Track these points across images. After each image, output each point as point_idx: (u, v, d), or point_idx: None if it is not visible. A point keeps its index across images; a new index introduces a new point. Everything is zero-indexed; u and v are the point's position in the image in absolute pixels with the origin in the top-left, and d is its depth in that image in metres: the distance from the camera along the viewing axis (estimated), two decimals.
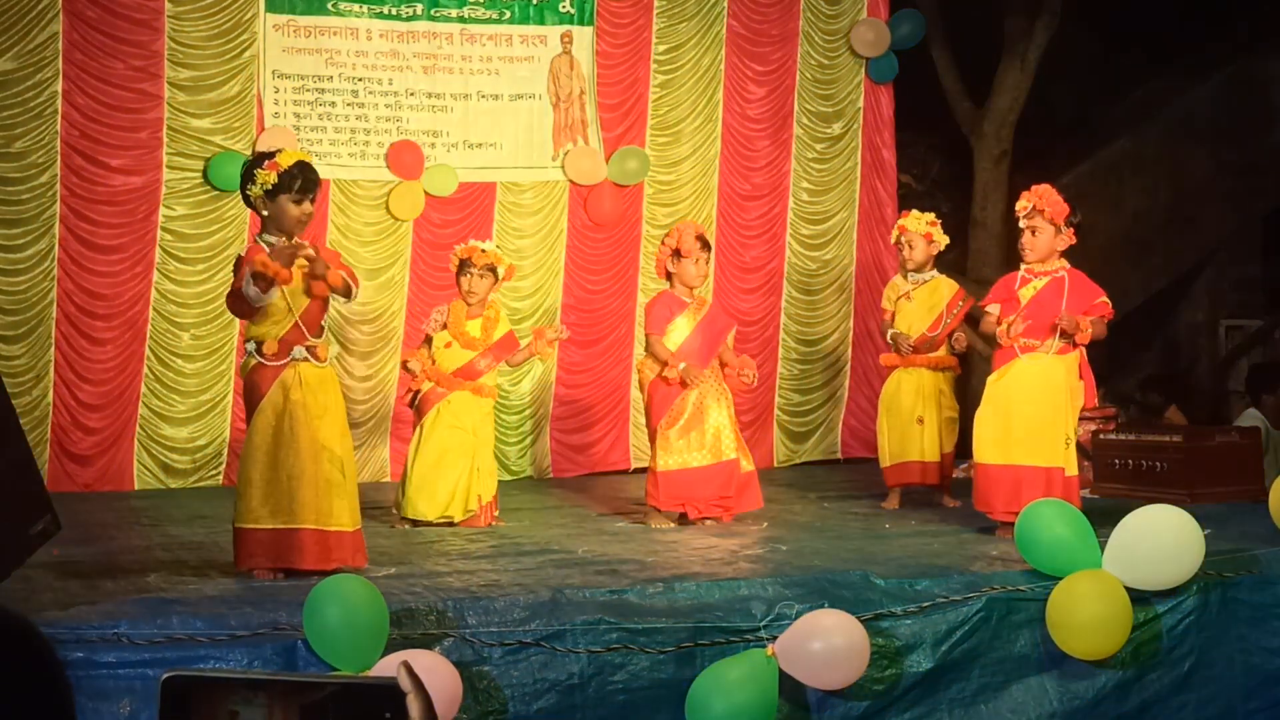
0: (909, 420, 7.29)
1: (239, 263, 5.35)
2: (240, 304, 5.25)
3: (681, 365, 6.66)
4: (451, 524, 6.76)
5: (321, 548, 5.15)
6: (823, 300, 10.02)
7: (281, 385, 5.19)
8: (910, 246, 7.45)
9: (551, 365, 9.41)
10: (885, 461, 7.41)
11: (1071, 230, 6.19)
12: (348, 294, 5.36)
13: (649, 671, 4.51)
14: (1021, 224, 6.25)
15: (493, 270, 7.03)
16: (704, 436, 6.69)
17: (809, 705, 4.63)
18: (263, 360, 5.23)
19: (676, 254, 6.86)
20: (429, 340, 7.06)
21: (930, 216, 7.52)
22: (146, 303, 8.61)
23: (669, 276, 6.96)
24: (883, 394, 7.57)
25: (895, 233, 7.66)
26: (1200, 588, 5.10)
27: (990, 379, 6.27)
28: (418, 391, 7.05)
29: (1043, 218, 6.15)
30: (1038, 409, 6.03)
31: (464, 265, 7.02)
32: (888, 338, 7.59)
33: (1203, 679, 5.10)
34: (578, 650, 4.47)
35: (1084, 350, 6.21)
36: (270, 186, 5.21)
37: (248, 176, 5.29)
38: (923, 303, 7.42)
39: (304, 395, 5.19)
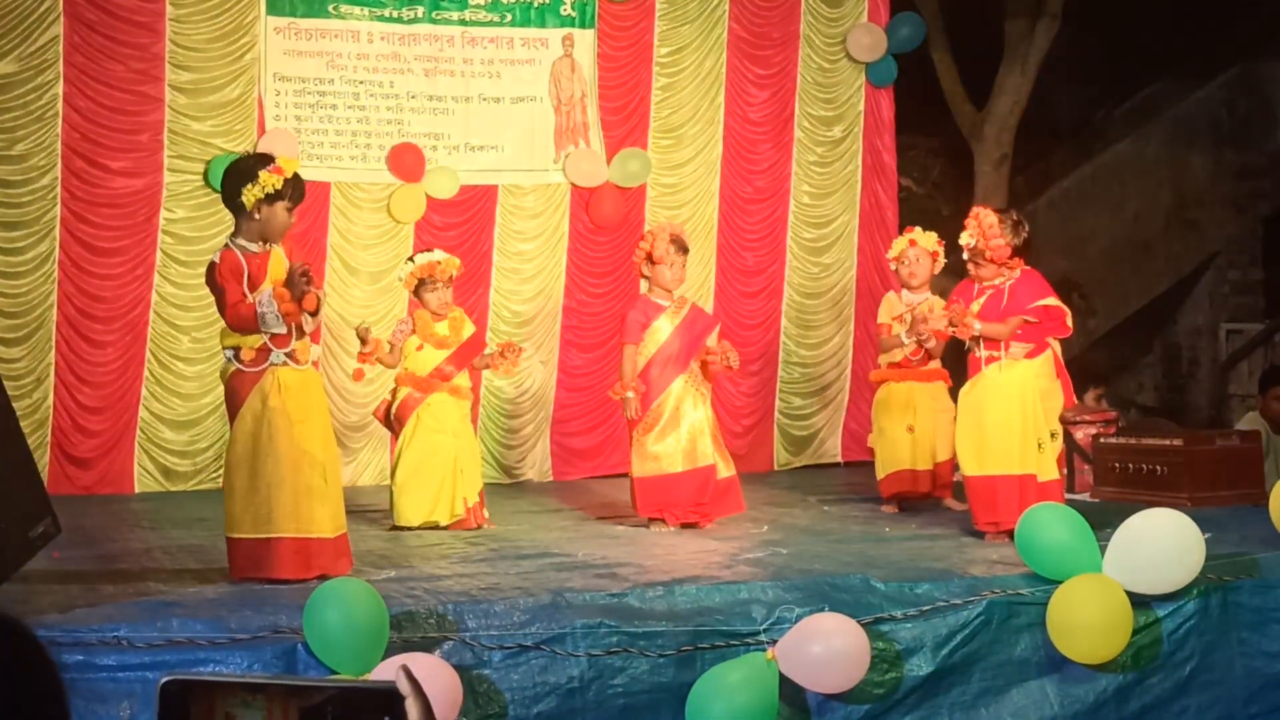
0: (899, 429, 7.25)
1: (215, 271, 5.15)
2: (249, 323, 5.06)
3: (629, 394, 6.58)
4: (438, 528, 6.70)
5: (301, 556, 5.05)
6: (823, 304, 10.00)
7: (260, 392, 5.08)
8: (917, 262, 7.25)
9: (552, 368, 9.41)
10: (880, 473, 7.36)
11: (1022, 238, 6.14)
12: (314, 313, 5.20)
13: (649, 675, 4.51)
14: (965, 256, 6.23)
15: (451, 279, 7.03)
16: (680, 441, 6.63)
17: (809, 709, 4.63)
18: (241, 366, 5.12)
19: (650, 258, 6.80)
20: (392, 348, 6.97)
21: (936, 236, 7.38)
22: (147, 306, 8.61)
23: (646, 279, 6.91)
24: (874, 406, 7.51)
25: (902, 244, 7.34)
26: (1201, 591, 5.10)
27: (963, 390, 6.28)
28: (392, 402, 6.99)
29: (983, 259, 6.13)
30: (1006, 416, 6.01)
31: (425, 283, 6.94)
32: (903, 338, 7.15)
33: (1203, 683, 5.09)
34: (578, 653, 4.47)
35: (1058, 350, 6.19)
36: (274, 191, 5.10)
37: (248, 176, 5.12)
38: None
39: (283, 401, 5.07)
